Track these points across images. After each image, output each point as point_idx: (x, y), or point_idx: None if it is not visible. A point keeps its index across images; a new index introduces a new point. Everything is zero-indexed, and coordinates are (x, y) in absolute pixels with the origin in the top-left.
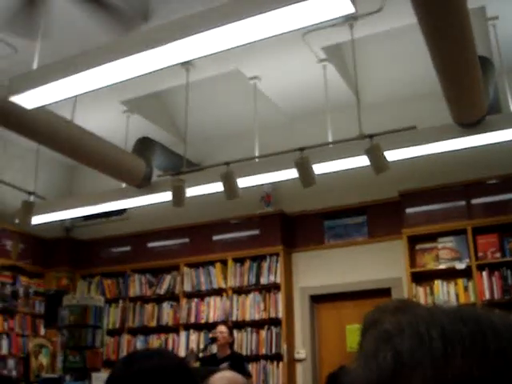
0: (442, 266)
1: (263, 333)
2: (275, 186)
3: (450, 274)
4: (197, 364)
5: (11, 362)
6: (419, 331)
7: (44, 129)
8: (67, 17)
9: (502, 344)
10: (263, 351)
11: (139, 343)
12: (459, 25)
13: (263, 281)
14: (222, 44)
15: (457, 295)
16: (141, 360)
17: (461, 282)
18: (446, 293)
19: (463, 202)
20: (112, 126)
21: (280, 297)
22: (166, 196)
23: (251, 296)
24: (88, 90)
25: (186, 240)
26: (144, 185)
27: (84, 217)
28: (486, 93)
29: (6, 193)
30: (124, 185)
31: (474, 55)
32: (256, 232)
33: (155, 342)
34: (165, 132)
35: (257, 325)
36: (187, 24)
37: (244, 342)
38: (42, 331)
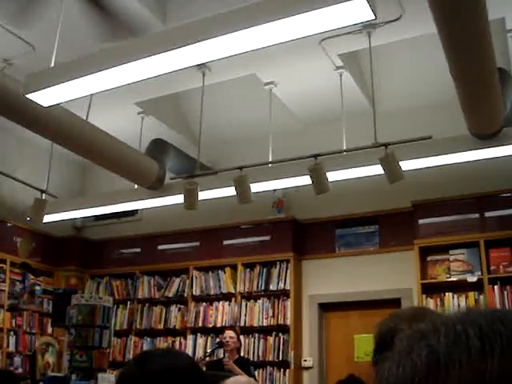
0: (454, 279)
1: (271, 339)
2: (287, 192)
3: (461, 287)
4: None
5: (18, 360)
6: (455, 330)
7: (59, 127)
8: (84, 16)
9: None
10: (270, 358)
11: (146, 345)
12: (479, 35)
13: (272, 287)
14: (238, 48)
15: None
16: (153, 359)
17: (472, 295)
18: (456, 305)
19: (476, 215)
20: (126, 127)
21: (289, 304)
22: (178, 199)
23: (260, 302)
24: (104, 90)
25: (197, 243)
26: (157, 186)
27: (95, 216)
28: (503, 105)
29: (18, 191)
30: (136, 186)
31: (492, 66)
32: (267, 238)
33: (162, 344)
34: (179, 134)
35: (264, 331)
36: (204, 27)
37: (251, 348)
38: (50, 330)
